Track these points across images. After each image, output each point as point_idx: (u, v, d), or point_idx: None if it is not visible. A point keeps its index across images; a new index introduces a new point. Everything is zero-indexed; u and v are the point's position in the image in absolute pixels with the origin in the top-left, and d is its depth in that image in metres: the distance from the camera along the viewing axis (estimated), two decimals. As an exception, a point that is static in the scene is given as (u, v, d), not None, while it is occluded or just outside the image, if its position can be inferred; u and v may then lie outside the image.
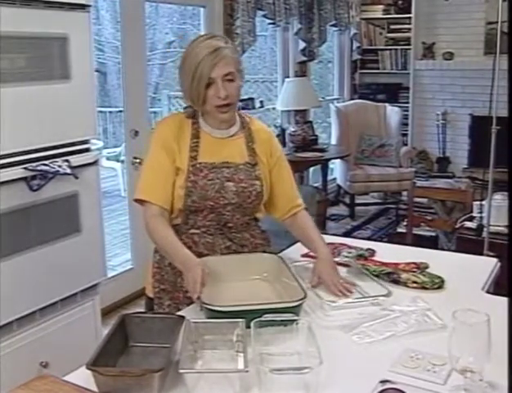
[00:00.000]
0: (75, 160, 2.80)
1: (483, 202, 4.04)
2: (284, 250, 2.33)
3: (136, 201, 2.04)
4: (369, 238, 5.68)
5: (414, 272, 2.08)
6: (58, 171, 2.68)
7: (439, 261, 2.21)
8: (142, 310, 2.30)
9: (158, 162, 2.03)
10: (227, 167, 2.03)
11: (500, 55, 3.91)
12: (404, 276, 2.03)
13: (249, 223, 2.12)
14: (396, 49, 7.91)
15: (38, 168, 2.62)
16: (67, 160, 2.74)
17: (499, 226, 3.91)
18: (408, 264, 2.16)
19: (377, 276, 2.05)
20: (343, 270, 2.10)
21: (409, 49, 7.78)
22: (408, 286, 1.99)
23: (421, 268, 2.13)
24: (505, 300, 1.85)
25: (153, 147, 2.05)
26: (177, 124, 2.07)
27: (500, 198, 4.01)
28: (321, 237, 2.10)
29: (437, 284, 2.00)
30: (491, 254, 3.31)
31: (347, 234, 5.85)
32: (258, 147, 2.11)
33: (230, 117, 2.05)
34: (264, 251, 2.13)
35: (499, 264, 2.24)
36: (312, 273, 1.99)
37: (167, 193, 2.01)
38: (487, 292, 2.02)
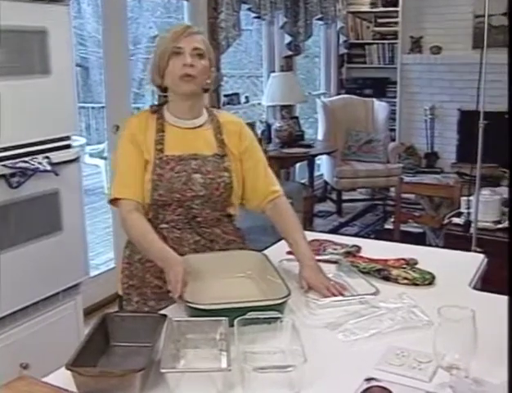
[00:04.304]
0: (56, 156, 2.79)
1: (471, 198, 4.06)
2: (269, 247, 2.33)
3: (111, 202, 2.06)
4: (356, 235, 5.69)
5: (404, 268, 2.08)
6: (38, 168, 2.66)
7: (426, 257, 2.21)
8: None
9: (126, 157, 2.06)
10: (195, 159, 2.05)
11: (488, 49, 3.93)
12: (395, 272, 2.04)
13: (221, 219, 2.12)
14: (383, 43, 7.94)
15: (18, 165, 2.60)
16: (47, 157, 2.73)
17: (486, 222, 3.93)
18: (397, 260, 2.17)
19: (367, 273, 2.06)
20: (331, 268, 2.10)
21: (396, 43, 7.82)
22: (399, 283, 2.00)
23: (411, 264, 2.14)
24: (491, 296, 1.88)
25: (120, 144, 2.09)
26: (143, 119, 2.11)
27: (487, 193, 4.03)
28: (301, 236, 2.07)
29: (428, 280, 2.01)
30: (479, 250, 3.32)
31: (334, 231, 5.86)
32: (227, 139, 2.13)
33: (193, 92, 2.05)
34: (240, 248, 2.14)
35: (486, 259, 2.26)
36: (300, 279, 1.96)
37: (139, 187, 2.02)
38: (474, 288, 2.03)
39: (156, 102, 2.18)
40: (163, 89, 2.11)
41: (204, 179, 2.03)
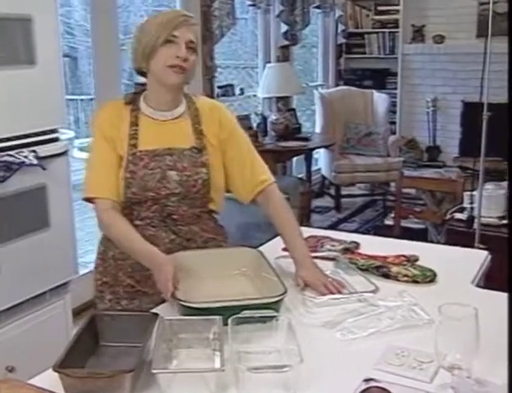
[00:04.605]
0: (43, 150, 2.78)
1: (474, 192, 4.07)
2: (264, 243, 2.32)
3: (86, 200, 2.03)
4: (355, 231, 5.70)
5: (404, 265, 2.09)
6: (24, 162, 2.65)
7: (427, 254, 2.22)
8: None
9: (99, 154, 2.02)
10: (170, 154, 2.00)
11: (493, 37, 3.93)
12: (394, 269, 2.04)
13: (201, 215, 2.08)
14: (383, 32, 7.94)
15: (3, 159, 2.59)
16: (34, 151, 2.72)
17: (490, 217, 3.94)
18: (397, 256, 2.17)
19: (366, 270, 2.06)
20: (329, 265, 2.11)
21: (397, 32, 7.82)
22: (399, 280, 2.00)
23: (411, 260, 2.15)
24: (495, 293, 1.87)
25: (93, 140, 2.05)
26: (115, 111, 2.06)
27: (491, 188, 4.04)
28: (296, 233, 2.06)
29: (429, 277, 2.01)
30: (482, 246, 3.33)
31: (332, 227, 5.86)
32: (206, 128, 2.08)
33: (179, 85, 2.02)
34: (218, 246, 2.13)
35: (489, 256, 2.26)
36: (296, 277, 1.96)
37: (114, 184, 1.99)
38: (477, 286, 2.03)
39: (133, 91, 2.11)
40: (143, 74, 2.05)
41: (180, 176, 1.98)
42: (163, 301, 1.84)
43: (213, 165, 2.05)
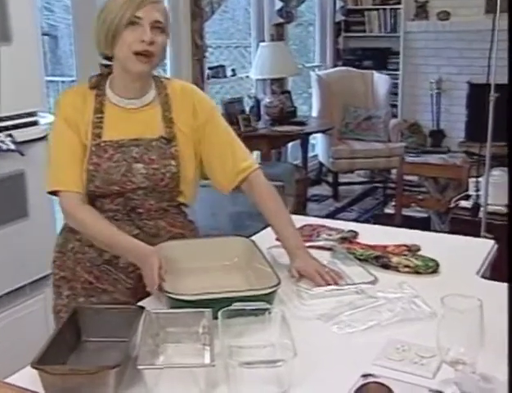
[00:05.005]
0: (21, 134, 2.77)
1: (480, 179, 4.07)
2: (257, 233, 2.33)
3: (50, 193, 2.00)
4: (355, 220, 5.71)
5: (405, 255, 2.09)
6: (0, 147, 2.65)
7: (430, 243, 2.22)
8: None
9: (63, 142, 1.98)
10: (137, 145, 1.96)
11: (502, 13, 3.92)
12: (395, 260, 2.05)
13: (168, 209, 2.06)
14: (384, 9, 7.93)
15: (-22, 144, 2.60)
16: (10, 135, 2.72)
17: (497, 205, 3.95)
18: (398, 246, 2.18)
19: (364, 260, 2.07)
20: (325, 255, 2.12)
21: (399, 9, 7.80)
22: (399, 271, 2.01)
23: (413, 250, 2.15)
24: (501, 285, 1.88)
25: (56, 126, 2.01)
26: (80, 96, 2.01)
27: (498, 174, 4.04)
28: (286, 222, 2.05)
29: (432, 268, 2.01)
30: (489, 236, 3.34)
31: (330, 216, 5.85)
32: (176, 116, 2.03)
33: (147, 73, 1.98)
34: None
35: (496, 246, 2.27)
36: (291, 269, 1.95)
37: (79, 176, 1.95)
38: (483, 277, 2.04)
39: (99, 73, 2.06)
40: (109, 58, 2.00)
41: (147, 169, 1.95)
42: (136, 298, 1.84)
43: (184, 156, 2.01)
